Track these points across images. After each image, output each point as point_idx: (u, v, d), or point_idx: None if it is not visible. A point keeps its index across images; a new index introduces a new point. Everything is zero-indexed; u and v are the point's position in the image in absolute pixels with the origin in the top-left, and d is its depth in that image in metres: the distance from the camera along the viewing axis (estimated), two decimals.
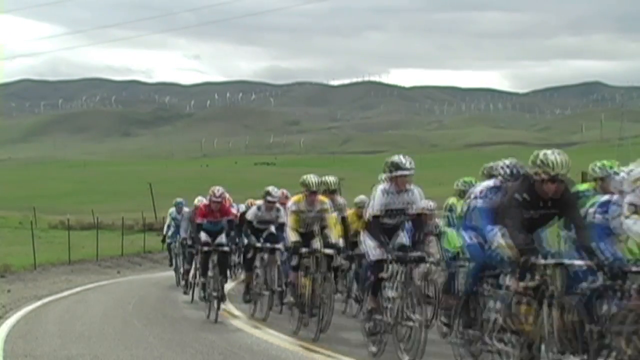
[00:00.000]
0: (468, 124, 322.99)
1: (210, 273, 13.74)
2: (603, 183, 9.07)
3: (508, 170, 8.22)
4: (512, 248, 7.37)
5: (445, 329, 9.78)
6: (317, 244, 11.64)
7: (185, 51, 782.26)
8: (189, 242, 17.71)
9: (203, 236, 14.10)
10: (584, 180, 10.35)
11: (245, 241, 14.08)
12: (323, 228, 11.75)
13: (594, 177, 9.27)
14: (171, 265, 21.05)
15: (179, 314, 14.82)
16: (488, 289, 8.10)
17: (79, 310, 15.54)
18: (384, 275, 9.29)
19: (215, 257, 13.75)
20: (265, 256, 13.39)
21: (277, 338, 11.08)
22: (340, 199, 13.16)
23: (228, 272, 16.08)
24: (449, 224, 10.86)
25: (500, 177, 8.27)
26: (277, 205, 13.60)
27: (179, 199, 21.15)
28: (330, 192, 12.66)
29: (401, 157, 9.34)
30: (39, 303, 17.04)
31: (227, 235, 14.34)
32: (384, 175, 9.80)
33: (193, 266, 17.16)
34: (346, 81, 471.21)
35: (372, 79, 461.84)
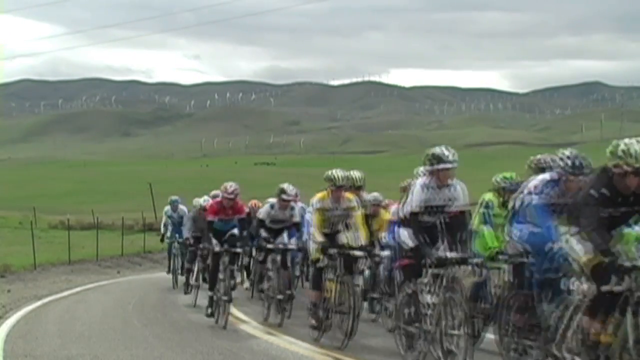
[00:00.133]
0: (468, 124, 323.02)
1: (220, 275, 12.73)
2: None
3: (569, 162, 7.63)
4: (594, 251, 6.63)
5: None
6: (344, 240, 10.82)
7: (185, 51, 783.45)
8: (191, 241, 17.19)
9: (215, 244, 12.85)
10: None
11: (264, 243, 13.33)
12: (348, 227, 10.91)
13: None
14: (169, 271, 20.32)
15: (179, 314, 14.81)
16: (543, 292, 7.56)
17: (79, 310, 15.53)
18: (422, 279, 8.54)
19: (226, 259, 12.75)
20: (278, 258, 12.84)
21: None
22: (367, 196, 12.25)
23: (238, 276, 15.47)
24: (485, 222, 9.92)
25: (559, 170, 7.66)
26: (292, 203, 13.07)
27: (174, 197, 20.58)
28: (356, 188, 11.65)
29: (443, 148, 8.63)
30: (39, 303, 17.03)
31: (240, 236, 13.30)
32: (421, 169, 9.25)
33: (196, 267, 16.70)
34: (346, 81, 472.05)
35: (372, 79, 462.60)
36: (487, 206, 10.02)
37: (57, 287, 21.34)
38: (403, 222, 9.00)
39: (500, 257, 8.92)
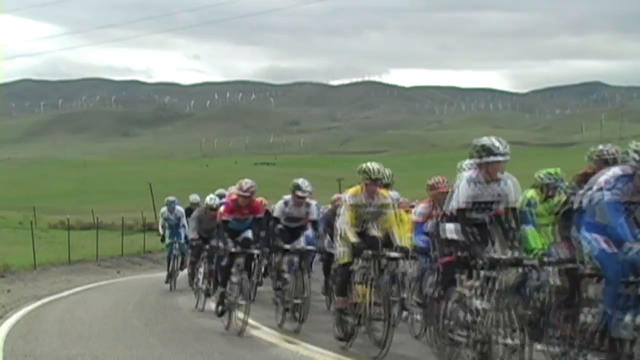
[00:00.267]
0: (468, 124, 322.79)
1: (234, 279, 11.86)
2: None
3: None
4: None
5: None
6: (374, 233, 10.04)
7: (185, 51, 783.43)
8: (194, 243, 16.30)
9: (230, 245, 12.05)
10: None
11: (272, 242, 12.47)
12: (377, 227, 10.12)
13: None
14: (167, 280, 19.43)
15: (179, 314, 14.81)
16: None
17: (79, 310, 15.52)
18: (474, 283, 7.75)
19: (242, 261, 11.86)
20: (296, 259, 12.01)
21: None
22: (395, 194, 11.33)
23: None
24: (527, 221, 9.17)
25: (633, 163, 6.98)
26: (308, 200, 12.20)
27: (171, 198, 20.03)
28: (384, 185, 11.02)
29: (493, 139, 7.94)
30: (38, 303, 17.02)
31: (257, 236, 12.49)
32: (467, 162, 8.79)
33: (203, 268, 15.49)
34: (346, 81, 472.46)
35: (372, 79, 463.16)
36: (529, 204, 9.36)
37: (57, 287, 21.33)
38: (448, 217, 8.35)
39: (546, 259, 8.13)
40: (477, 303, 7.65)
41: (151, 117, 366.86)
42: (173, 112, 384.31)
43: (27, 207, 62.97)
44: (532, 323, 8.27)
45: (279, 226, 12.61)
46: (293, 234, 12.50)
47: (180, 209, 19.50)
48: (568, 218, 7.97)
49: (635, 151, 6.95)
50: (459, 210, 8.01)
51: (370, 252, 9.61)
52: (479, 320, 7.58)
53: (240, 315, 11.51)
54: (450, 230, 8.18)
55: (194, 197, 19.87)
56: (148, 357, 9.77)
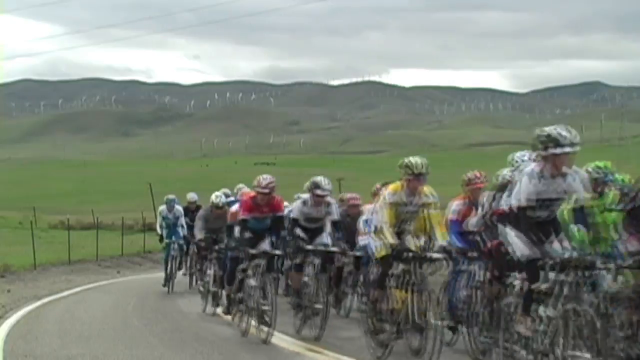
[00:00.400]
0: (468, 124, 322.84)
1: (253, 282, 11.07)
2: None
3: None
4: None
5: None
6: (411, 244, 9.20)
7: (185, 51, 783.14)
8: (198, 241, 15.52)
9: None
10: None
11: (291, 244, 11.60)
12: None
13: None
14: (165, 283, 18.78)
15: (179, 313, 14.81)
16: None
17: (79, 310, 15.52)
18: (541, 286, 7.02)
19: (263, 263, 11.11)
20: (317, 261, 11.15)
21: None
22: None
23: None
24: (576, 220, 8.41)
25: None
26: (328, 199, 11.41)
27: (170, 196, 19.25)
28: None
29: (560, 128, 7.08)
30: (38, 303, 17.02)
31: (277, 236, 11.87)
32: (519, 154, 8.23)
33: (212, 272, 14.76)
34: (346, 81, 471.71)
35: (372, 79, 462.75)
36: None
37: (57, 287, 21.33)
38: (502, 216, 7.63)
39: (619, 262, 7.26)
40: (540, 310, 6.93)
41: (151, 117, 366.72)
42: (173, 112, 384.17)
43: (27, 207, 62.96)
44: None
45: (299, 232, 11.77)
46: (312, 234, 11.63)
47: (179, 208, 19.01)
48: (636, 215, 7.25)
49: None
50: (520, 208, 7.19)
51: (411, 253, 8.84)
52: (541, 329, 6.87)
53: (256, 322, 10.90)
54: (516, 242, 7.27)
55: (192, 196, 19.54)
56: (148, 357, 9.76)
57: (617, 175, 8.48)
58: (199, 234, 15.23)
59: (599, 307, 7.32)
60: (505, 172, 8.51)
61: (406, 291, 8.71)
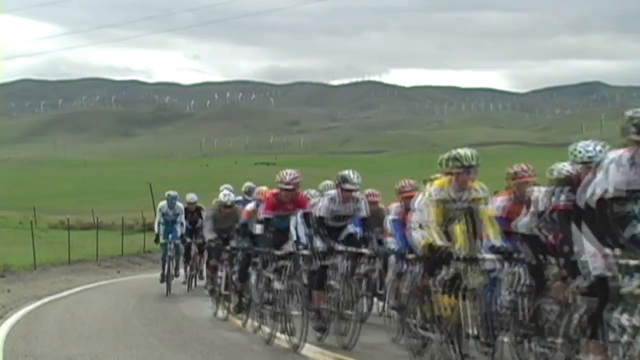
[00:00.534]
0: (468, 124, 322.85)
1: (278, 286, 10.37)
2: None
3: None
4: None
5: None
6: (457, 245, 8.36)
7: (185, 51, 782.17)
8: (209, 241, 14.71)
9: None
10: None
11: (318, 244, 10.46)
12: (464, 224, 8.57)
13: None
14: (163, 279, 18.25)
15: (179, 314, 14.81)
16: None
17: (79, 310, 15.53)
18: (626, 289, 6.17)
19: (289, 265, 10.40)
20: (346, 263, 10.24)
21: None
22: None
23: None
24: None
25: None
26: (357, 194, 10.47)
27: (172, 193, 18.65)
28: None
29: None
30: (38, 303, 17.02)
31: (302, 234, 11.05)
32: (580, 144, 7.32)
33: (223, 274, 13.92)
34: (346, 81, 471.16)
35: (372, 79, 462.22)
36: None
37: (57, 287, 21.33)
38: (568, 214, 6.96)
39: None
40: (624, 318, 6.14)
41: (151, 117, 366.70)
42: (173, 112, 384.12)
43: (27, 207, 62.88)
44: None
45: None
46: (338, 234, 10.72)
47: (180, 205, 18.49)
48: None
49: None
50: (602, 201, 6.31)
51: (462, 254, 7.96)
52: (624, 340, 6.12)
53: (282, 328, 10.23)
54: (592, 259, 6.39)
55: (191, 197, 19.22)
56: (148, 357, 9.76)
57: None
58: (208, 235, 14.51)
59: None
60: (563, 165, 7.86)
61: (456, 297, 7.86)
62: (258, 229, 11.22)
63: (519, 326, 7.92)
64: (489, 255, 8.01)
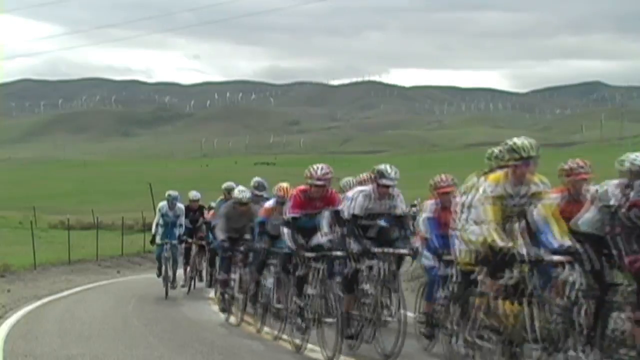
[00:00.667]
0: (468, 124, 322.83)
1: (311, 290, 9.62)
2: None
3: None
4: None
5: None
6: (522, 246, 7.35)
7: (185, 51, 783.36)
8: (221, 242, 13.45)
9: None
10: None
11: (353, 245, 9.46)
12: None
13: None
14: (160, 274, 17.47)
15: (179, 314, 14.80)
16: None
17: (79, 310, 15.52)
18: None
19: (323, 268, 9.60)
20: (384, 266, 9.25)
21: None
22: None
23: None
24: None
25: None
26: (393, 190, 9.52)
27: (173, 193, 17.64)
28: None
29: None
30: (38, 303, 17.02)
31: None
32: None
33: (237, 277, 13.03)
34: (346, 81, 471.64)
35: (372, 78, 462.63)
36: None
37: (57, 287, 21.33)
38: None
39: None
40: None
41: (151, 117, 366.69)
42: (173, 112, 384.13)
43: (27, 207, 62.87)
44: None
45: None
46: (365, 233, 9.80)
47: (181, 206, 17.62)
48: None
49: None
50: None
51: (525, 254, 7.05)
52: None
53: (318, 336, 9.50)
54: None
55: (194, 194, 18.58)
56: (148, 357, 9.76)
57: None
58: (221, 235, 13.37)
59: None
60: (636, 155, 7.29)
61: (519, 304, 7.10)
62: (285, 232, 10.23)
63: (576, 338, 7.16)
64: (557, 257, 7.10)
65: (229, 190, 15.11)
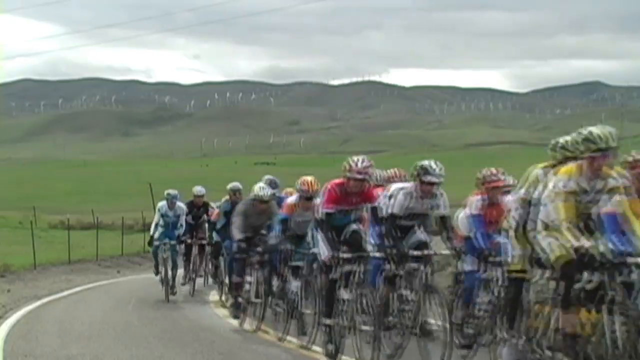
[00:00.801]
0: (468, 123, 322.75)
1: (346, 295, 8.81)
2: None
3: None
4: None
5: None
6: (602, 247, 6.50)
7: (185, 51, 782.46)
8: (238, 241, 12.42)
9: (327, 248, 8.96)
10: None
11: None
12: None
13: None
14: (157, 272, 16.82)
15: (179, 314, 14.80)
16: None
17: (79, 310, 15.53)
18: None
19: (360, 270, 8.83)
20: (425, 268, 8.62)
21: None
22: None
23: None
24: None
25: None
26: (437, 189, 8.82)
27: (172, 191, 16.89)
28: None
29: None
30: (38, 303, 17.02)
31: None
32: None
33: (254, 279, 12.14)
34: (346, 81, 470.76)
35: (372, 78, 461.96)
36: None
37: (57, 287, 21.33)
38: None
39: None
40: None
41: (151, 117, 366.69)
42: (173, 112, 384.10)
43: (27, 207, 62.88)
44: None
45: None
46: (406, 235, 9.10)
47: (181, 205, 16.92)
48: None
49: None
50: None
51: (599, 257, 6.33)
52: None
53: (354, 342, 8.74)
54: None
55: (199, 190, 17.69)
56: (148, 357, 9.76)
57: None
58: (238, 234, 12.33)
59: None
60: None
61: (597, 312, 6.40)
62: (320, 239, 9.24)
63: None
64: (632, 259, 6.33)
65: (235, 191, 14.86)
